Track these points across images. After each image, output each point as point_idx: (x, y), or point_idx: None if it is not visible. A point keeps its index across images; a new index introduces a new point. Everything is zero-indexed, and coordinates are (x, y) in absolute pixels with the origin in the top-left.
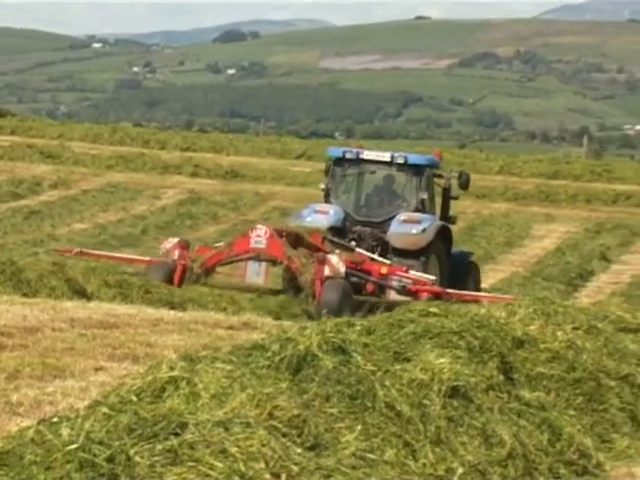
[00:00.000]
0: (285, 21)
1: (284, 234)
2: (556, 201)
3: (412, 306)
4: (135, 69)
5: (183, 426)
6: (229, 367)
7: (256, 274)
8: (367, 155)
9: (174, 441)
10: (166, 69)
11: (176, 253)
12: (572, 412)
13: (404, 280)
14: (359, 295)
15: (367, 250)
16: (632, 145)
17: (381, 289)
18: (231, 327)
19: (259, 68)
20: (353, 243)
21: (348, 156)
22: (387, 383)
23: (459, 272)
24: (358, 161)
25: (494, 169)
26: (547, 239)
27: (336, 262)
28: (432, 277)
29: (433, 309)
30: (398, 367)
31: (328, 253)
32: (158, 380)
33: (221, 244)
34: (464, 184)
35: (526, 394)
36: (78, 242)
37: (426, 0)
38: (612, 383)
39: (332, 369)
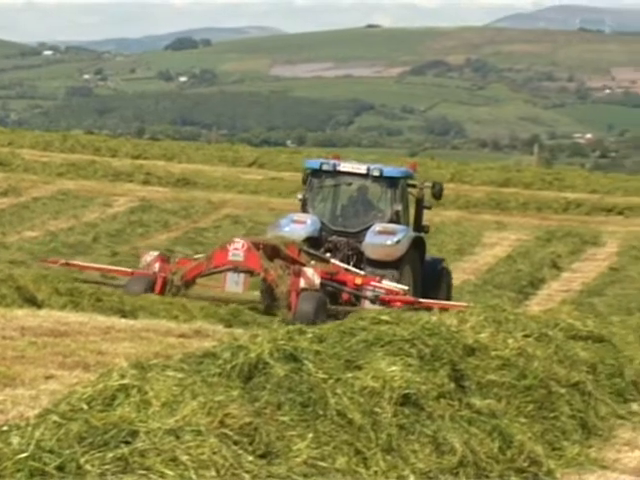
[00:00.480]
0: (236, 29)
1: (261, 246)
2: (507, 209)
3: (363, 314)
4: (86, 76)
5: (134, 434)
6: (180, 375)
7: (235, 284)
8: (343, 167)
9: (125, 449)
10: (117, 77)
11: (157, 266)
12: (523, 419)
13: (377, 290)
14: (336, 304)
15: (342, 260)
16: (582, 153)
17: (357, 298)
18: (182, 335)
19: (210, 76)
20: (328, 254)
21: (325, 168)
22: (338, 391)
23: (432, 279)
24: (335, 173)
25: (445, 177)
26: (498, 247)
27: (311, 274)
28: (405, 287)
29: (384, 317)
30: (349, 375)
31: (304, 265)
32: (109, 388)
33: (201, 256)
34: (437, 194)
35: (477, 402)
36: (28, 250)
37: (377, 8)
38: (562, 390)
39: (283, 377)
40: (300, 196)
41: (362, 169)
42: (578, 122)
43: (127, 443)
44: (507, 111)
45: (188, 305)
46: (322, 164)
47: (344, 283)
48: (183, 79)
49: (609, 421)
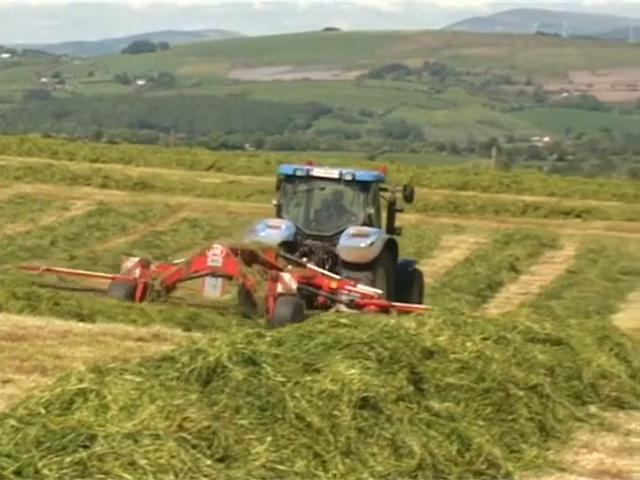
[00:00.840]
0: (195, 32)
1: (239, 252)
2: (465, 212)
3: (322, 317)
4: (44, 80)
5: (92, 438)
6: (138, 379)
7: (213, 288)
8: (317, 172)
9: (83, 454)
10: (75, 80)
11: (137, 271)
12: (481, 422)
13: (352, 294)
14: (312, 308)
15: (318, 263)
16: (540, 156)
17: (333, 302)
18: (140, 339)
19: (169, 79)
20: (305, 259)
21: (298, 173)
22: (297, 394)
23: (404, 280)
24: (308, 178)
25: (404, 180)
26: (456, 250)
27: (288, 279)
28: (379, 291)
29: (343, 320)
30: (308, 378)
31: (281, 270)
32: (67, 392)
33: (180, 261)
34: (409, 197)
35: (435, 404)
36: None
37: (335, 12)
38: (521, 393)
39: (242, 380)
40: (275, 202)
41: (335, 174)
42: (536, 125)
43: (85, 447)
44: (465, 114)
45: (146, 309)
46: (296, 170)
47: (320, 287)
48: (141, 82)
49: (567, 423)
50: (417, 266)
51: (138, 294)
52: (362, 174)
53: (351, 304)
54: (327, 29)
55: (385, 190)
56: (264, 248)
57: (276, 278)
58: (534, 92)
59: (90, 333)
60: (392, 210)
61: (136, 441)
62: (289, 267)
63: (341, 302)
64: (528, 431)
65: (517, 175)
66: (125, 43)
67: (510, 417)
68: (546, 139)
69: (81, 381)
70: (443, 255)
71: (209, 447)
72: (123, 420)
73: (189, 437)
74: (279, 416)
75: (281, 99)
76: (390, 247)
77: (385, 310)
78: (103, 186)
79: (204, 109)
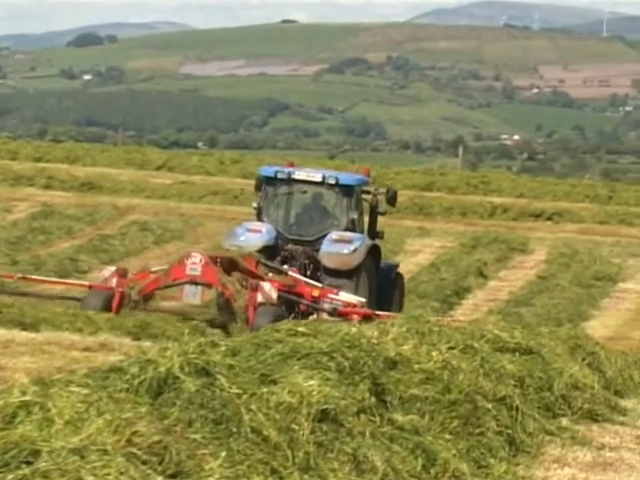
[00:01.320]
0: (144, 24)
1: (219, 260)
2: (430, 214)
3: (279, 325)
4: None
5: (36, 454)
6: (85, 391)
7: (193, 295)
8: (298, 175)
9: (26, 470)
10: (17, 75)
11: (114, 281)
12: (447, 436)
13: (335, 303)
14: (294, 317)
15: (299, 268)
16: (509, 155)
17: (315, 310)
18: (87, 348)
19: (117, 73)
20: (286, 266)
21: (280, 176)
22: (253, 407)
23: (386, 285)
24: (289, 181)
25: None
26: (421, 254)
27: (268, 289)
28: (362, 299)
29: (301, 328)
30: (265, 390)
31: (262, 278)
32: (9, 405)
33: (159, 268)
34: (391, 200)
35: (399, 417)
36: None
37: (292, 3)
38: (489, 405)
39: (195, 392)
40: (255, 204)
41: (317, 177)
42: (505, 123)
43: (29, 463)
44: (430, 111)
45: (93, 317)
46: (277, 172)
47: (302, 295)
48: (87, 77)
49: (537, 437)
50: (398, 270)
51: (115, 304)
52: (346, 178)
53: (334, 312)
54: (284, 21)
55: (367, 193)
56: (244, 255)
57: (256, 287)
58: (503, 88)
59: (34, 342)
60: (374, 213)
61: (82, 457)
62: (270, 275)
63: (323, 310)
64: (497, 445)
65: (485, 175)
66: (70, 36)
67: (478, 430)
68: (515, 137)
69: (24, 394)
70: (407, 260)
71: (160, 463)
72: (69, 435)
73: (139, 452)
74: (234, 430)
75: (236, 95)
76: (373, 253)
77: (368, 319)
78: (47, 187)
79: (154, 105)
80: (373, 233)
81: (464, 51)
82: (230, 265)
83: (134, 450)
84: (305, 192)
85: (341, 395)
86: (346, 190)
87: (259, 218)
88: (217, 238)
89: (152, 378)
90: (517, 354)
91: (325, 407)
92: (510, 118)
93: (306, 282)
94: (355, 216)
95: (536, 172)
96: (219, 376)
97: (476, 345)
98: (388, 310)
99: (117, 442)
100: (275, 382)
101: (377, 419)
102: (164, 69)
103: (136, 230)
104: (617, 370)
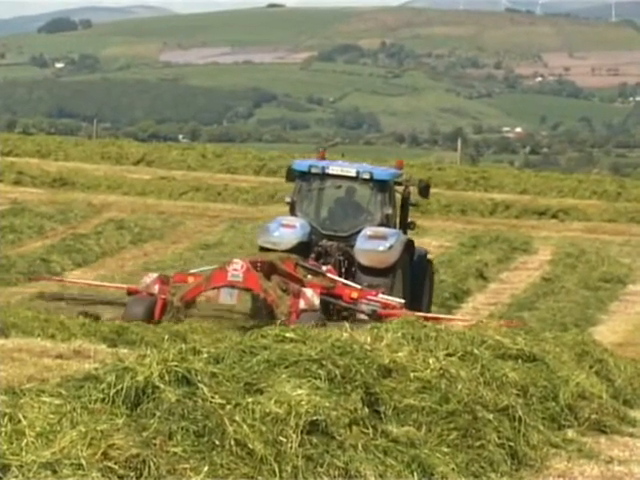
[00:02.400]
0: (121, 8)
1: (259, 265)
2: (427, 212)
3: (265, 331)
4: None
5: (5, 469)
6: (58, 401)
7: (229, 295)
8: (333, 170)
9: None
10: None
11: (156, 288)
12: (445, 449)
13: (374, 304)
14: (330, 319)
15: (334, 265)
16: (511, 149)
17: (353, 312)
18: (60, 356)
19: (92, 61)
20: (325, 267)
21: (314, 171)
22: (237, 418)
23: (417, 273)
24: (323, 175)
25: None
26: None
27: (311, 295)
28: (401, 300)
29: (289, 334)
30: (250, 400)
31: (301, 282)
32: None
33: (197, 270)
34: (424, 192)
35: (394, 429)
36: None
37: None
38: (490, 416)
39: (175, 402)
40: (288, 199)
41: (352, 172)
42: (506, 114)
43: None
44: (427, 102)
45: (66, 322)
46: (311, 167)
47: (340, 297)
48: (60, 65)
49: (542, 450)
50: (429, 257)
51: (157, 311)
52: (380, 172)
53: (373, 314)
54: (271, 5)
55: (399, 184)
56: (283, 258)
57: (298, 294)
58: (504, 76)
59: (3, 349)
60: (406, 205)
61: (55, 471)
62: (308, 277)
63: (362, 312)
64: (498, 459)
65: (486, 170)
66: (41, 21)
67: (477, 443)
68: (518, 130)
69: None
70: None
71: (138, 478)
72: (40, 448)
73: (115, 467)
74: (217, 443)
75: (219, 84)
76: (408, 248)
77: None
78: (17, 183)
79: (132, 96)
80: (405, 225)
81: (463, 37)
82: (270, 268)
83: (110, 464)
84: (339, 187)
85: (332, 405)
86: (380, 185)
87: (292, 213)
88: (198, 237)
89: (129, 387)
90: (520, 361)
91: (315, 418)
92: (512, 109)
93: (345, 283)
94: (390, 211)
95: (540, 167)
96: (201, 385)
97: (476, 351)
98: (419, 299)
99: (92, 456)
100: (261, 391)
101: (370, 431)
102: (142, 57)
103: (112, 229)
104: (626, 378)
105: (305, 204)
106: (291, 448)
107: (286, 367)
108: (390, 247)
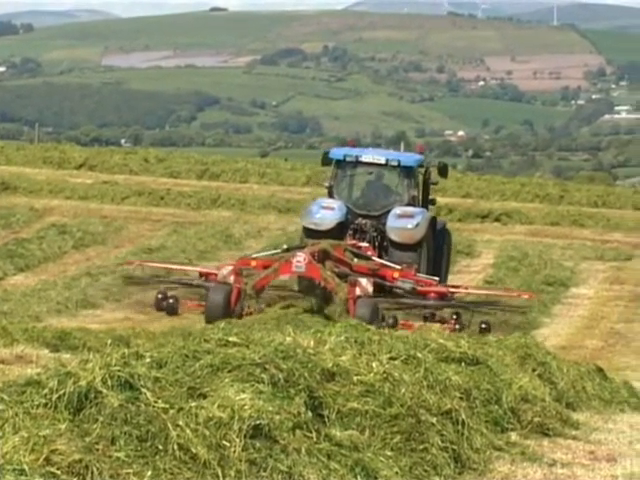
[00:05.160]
0: (63, 12)
1: (316, 254)
2: None
3: (208, 335)
4: None
5: None
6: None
7: (297, 268)
8: (365, 158)
9: None
10: None
11: (232, 278)
12: (388, 452)
13: (411, 282)
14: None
15: (369, 241)
16: (454, 152)
17: (390, 291)
18: (2, 361)
19: (33, 65)
20: (363, 244)
21: (348, 159)
22: (181, 422)
23: (438, 242)
24: (357, 163)
25: (300, 180)
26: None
27: (365, 283)
28: (436, 278)
29: (232, 338)
30: (193, 404)
31: (349, 266)
32: None
33: (258, 255)
34: (443, 172)
35: (337, 433)
36: None
37: None
38: (433, 419)
39: (118, 407)
40: (326, 184)
41: (382, 160)
42: (449, 118)
43: None
44: (370, 105)
45: (8, 327)
46: (345, 155)
47: (384, 277)
48: (1, 69)
49: (485, 453)
50: (447, 226)
51: (234, 298)
52: (406, 159)
53: (413, 291)
54: (213, 9)
55: (421, 166)
56: (334, 245)
57: (354, 283)
58: (447, 80)
59: None
60: (427, 183)
61: None
62: (355, 260)
63: (404, 290)
64: (441, 462)
65: None
66: None
67: (421, 446)
68: (460, 133)
69: None
70: None
71: None
72: None
73: (58, 472)
74: (160, 447)
75: (161, 88)
76: (431, 223)
77: (443, 296)
78: None
79: (74, 100)
80: (427, 201)
81: (406, 41)
82: (324, 255)
83: (53, 470)
84: (371, 173)
85: (275, 409)
86: (406, 170)
87: (330, 196)
88: (141, 241)
89: (72, 392)
90: (463, 364)
91: (258, 422)
92: (455, 113)
93: (386, 265)
94: (415, 192)
95: (483, 170)
96: (144, 390)
97: (419, 355)
98: (439, 265)
99: (35, 461)
100: (204, 396)
101: (314, 435)
102: (84, 60)
103: (54, 233)
104: (569, 381)
105: (341, 188)
106: (234, 452)
107: (229, 371)
108: (417, 225)
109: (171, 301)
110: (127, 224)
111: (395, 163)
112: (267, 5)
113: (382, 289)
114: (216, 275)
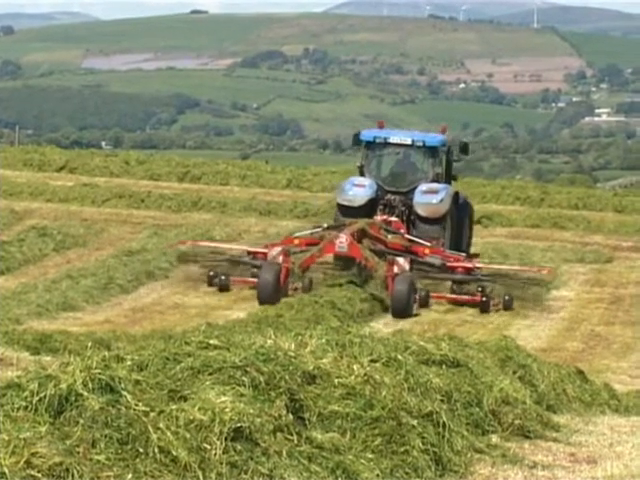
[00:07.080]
0: (43, 14)
1: (355, 234)
2: None
3: (189, 338)
4: None
5: None
6: None
7: (340, 248)
8: (393, 139)
9: None
10: None
11: (281, 258)
12: (369, 455)
13: (439, 257)
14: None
15: (398, 215)
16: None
17: (423, 265)
18: None
19: (13, 68)
20: (402, 230)
21: (377, 140)
22: (161, 425)
23: (460, 214)
24: (385, 144)
25: (281, 182)
26: None
27: (402, 262)
28: (463, 254)
29: (213, 341)
30: (174, 407)
31: (384, 243)
32: None
33: (301, 234)
34: (464, 150)
35: (318, 435)
36: None
37: None
38: (414, 422)
39: (99, 410)
40: (358, 163)
41: (408, 141)
42: (430, 120)
43: None
44: (350, 108)
45: None
46: (375, 137)
47: (416, 253)
48: None
49: (466, 455)
50: (467, 199)
51: (283, 277)
52: (430, 139)
53: (442, 267)
54: (193, 11)
55: (444, 145)
56: (369, 223)
57: (392, 262)
58: (427, 83)
59: None
60: (449, 160)
61: None
62: (389, 236)
63: (434, 265)
64: (422, 464)
65: None
66: None
67: (402, 449)
68: None
69: None
70: None
71: None
72: None
73: (38, 475)
74: (141, 450)
75: (142, 91)
76: (454, 198)
77: (470, 271)
78: None
79: (54, 102)
80: (449, 177)
81: (386, 43)
82: (362, 233)
83: (33, 472)
84: (398, 153)
85: (256, 412)
86: (431, 150)
87: (362, 174)
88: (121, 244)
89: (52, 395)
90: (444, 367)
91: (239, 425)
92: (435, 115)
93: (417, 242)
94: (439, 170)
95: (463, 173)
96: (125, 392)
97: (400, 357)
98: (460, 237)
99: (15, 464)
100: (185, 398)
101: (294, 437)
102: (64, 63)
103: (35, 236)
104: (550, 384)
105: (371, 167)
106: (215, 455)
107: (210, 374)
108: (441, 200)
109: (223, 277)
110: (108, 227)
111: (420, 143)
112: (247, 8)
113: (414, 263)
114: (264, 254)
